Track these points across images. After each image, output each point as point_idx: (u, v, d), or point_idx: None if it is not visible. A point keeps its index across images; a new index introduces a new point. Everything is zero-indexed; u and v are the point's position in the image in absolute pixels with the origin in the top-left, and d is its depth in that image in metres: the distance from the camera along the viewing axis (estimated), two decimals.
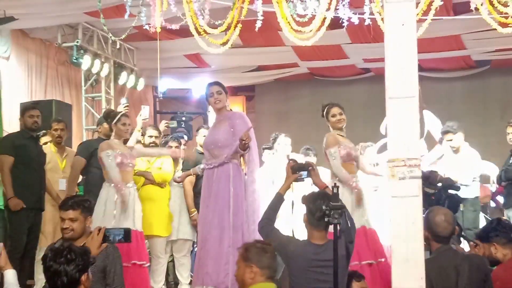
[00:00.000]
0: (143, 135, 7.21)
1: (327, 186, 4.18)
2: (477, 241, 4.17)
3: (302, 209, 4.62)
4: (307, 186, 5.64)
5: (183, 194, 6.96)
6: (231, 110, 5.52)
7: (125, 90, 11.81)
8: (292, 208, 7.34)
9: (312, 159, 7.98)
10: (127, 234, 3.63)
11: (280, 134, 7.81)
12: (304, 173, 4.23)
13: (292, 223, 7.18)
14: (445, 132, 7.64)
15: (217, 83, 5.41)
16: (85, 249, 3.24)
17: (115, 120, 6.05)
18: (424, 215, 3.98)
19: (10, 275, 3.69)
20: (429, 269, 3.61)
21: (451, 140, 7.58)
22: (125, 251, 5.61)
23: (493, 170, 8.49)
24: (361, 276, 4.40)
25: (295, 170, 4.25)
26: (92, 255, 3.41)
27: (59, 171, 6.90)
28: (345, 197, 5.49)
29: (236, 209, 5.06)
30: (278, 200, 4.21)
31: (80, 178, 7.11)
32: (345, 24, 7.65)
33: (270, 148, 8.06)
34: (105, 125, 6.78)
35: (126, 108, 7.67)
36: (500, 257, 4.06)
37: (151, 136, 7.00)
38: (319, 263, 3.84)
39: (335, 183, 3.92)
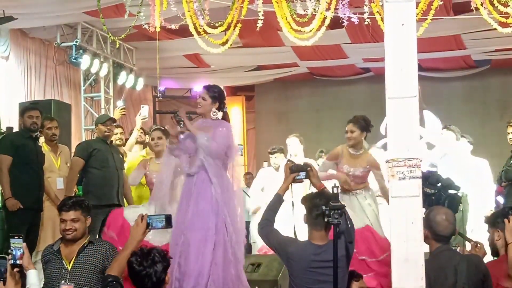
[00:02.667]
0: (147, 134, 7.23)
1: (325, 187, 4.17)
2: (477, 241, 4.15)
3: (302, 211, 4.62)
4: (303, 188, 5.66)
5: None
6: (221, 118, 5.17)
7: (124, 90, 11.79)
8: (293, 209, 7.34)
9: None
10: (168, 220, 3.66)
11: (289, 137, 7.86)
12: (303, 173, 4.22)
13: (293, 225, 7.18)
14: (444, 127, 7.80)
15: (206, 87, 5.16)
16: (165, 252, 3.44)
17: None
18: (424, 214, 3.97)
19: (32, 275, 3.71)
20: (428, 269, 3.60)
21: (441, 133, 7.69)
22: None
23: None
24: (359, 275, 4.39)
25: (293, 171, 4.24)
26: (138, 241, 3.56)
27: (55, 169, 6.87)
28: None
29: (217, 211, 4.89)
30: (277, 201, 4.20)
31: None
32: (345, 23, 7.64)
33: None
34: (100, 126, 6.78)
35: (123, 110, 7.65)
36: (499, 245, 4.02)
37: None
38: (319, 263, 3.83)
39: (335, 183, 3.91)
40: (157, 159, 6.14)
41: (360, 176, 5.96)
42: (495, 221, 4.08)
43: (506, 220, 3.91)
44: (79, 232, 4.11)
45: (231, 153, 5.00)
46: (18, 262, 3.65)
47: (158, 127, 6.47)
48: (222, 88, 5.29)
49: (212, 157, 4.85)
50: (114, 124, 7.10)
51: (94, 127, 6.97)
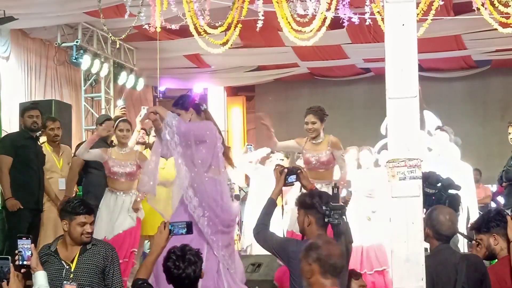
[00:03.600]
0: (148, 135, 7.22)
1: (316, 188, 4.20)
2: (479, 240, 4.13)
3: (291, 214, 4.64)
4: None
5: None
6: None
7: (124, 90, 11.78)
8: (282, 213, 7.38)
9: None
10: (189, 226, 3.82)
11: None
12: (293, 176, 4.25)
13: (282, 230, 7.22)
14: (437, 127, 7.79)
15: (173, 105, 5.07)
16: (197, 250, 3.62)
17: (114, 127, 6.31)
18: (427, 213, 3.97)
19: (41, 276, 3.69)
20: (429, 265, 3.61)
21: (434, 134, 7.70)
22: None
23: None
24: (358, 274, 4.42)
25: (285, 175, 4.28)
26: (162, 247, 3.72)
27: (57, 170, 6.88)
28: None
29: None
30: (270, 205, 4.23)
31: None
32: (346, 24, 7.65)
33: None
34: (99, 127, 6.79)
35: (123, 110, 7.64)
36: (498, 249, 4.01)
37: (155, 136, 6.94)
38: None
39: (335, 183, 3.92)
40: (120, 149, 6.24)
41: (326, 160, 5.98)
42: (488, 226, 4.06)
43: (508, 217, 3.91)
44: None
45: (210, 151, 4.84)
46: (26, 263, 3.65)
47: (125, 118, 6.59)
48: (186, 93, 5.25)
49: (180, 137, 4.72)
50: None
51: (95, 127, 7.00)
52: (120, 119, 6.50)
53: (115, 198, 6.15)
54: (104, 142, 6.72)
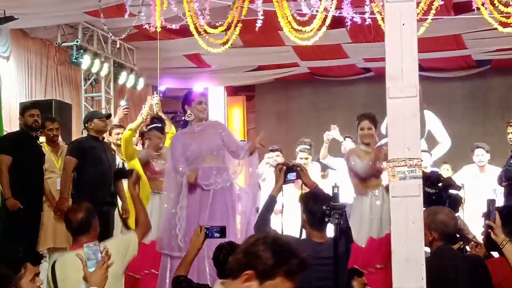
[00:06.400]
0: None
1: (317, 185, 4.21)
2: (478, 241, 4.14)
3: (292, 211, 4.67)
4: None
5: None
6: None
7: (125, 90, 11.78)
8: (282, 210, 7.39)
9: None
10: (223, 230, 4.02)
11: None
12: (293, 174, 4.26)
13: (282, 224, 7.21)
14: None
15: (205, 95, 5.48)
16: None
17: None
18: (428, 218, 3.96)
19: None
20: (429, 267, 3.61)
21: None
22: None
23: None
24: (361, 272, 4.43)
25: (284, 172, 4.29)
26: (199, 249, 4.00)
27: (56, 170, 6.86)
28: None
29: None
30: (271, 202, 4.27)
31: None
32: (348, 23, 7.65)
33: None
34: (97, 121, 6.67)
35: (126, 110, 7.60)
36: (499, 241, 4.03)
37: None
38: (319, 260, 3.85)
39: (335, 183, 3.93)
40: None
41: (379, 168, 5.73)
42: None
43: (492, 222, 3.92)
44: None
45: None
46: None
47: (159, 126, 6.56)
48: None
49: None
50: (117, 124, 7.07)
51: (86, 123, 6.74)
52: (151, 126, 6.57)
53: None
54: (97, 140, 6.64)
